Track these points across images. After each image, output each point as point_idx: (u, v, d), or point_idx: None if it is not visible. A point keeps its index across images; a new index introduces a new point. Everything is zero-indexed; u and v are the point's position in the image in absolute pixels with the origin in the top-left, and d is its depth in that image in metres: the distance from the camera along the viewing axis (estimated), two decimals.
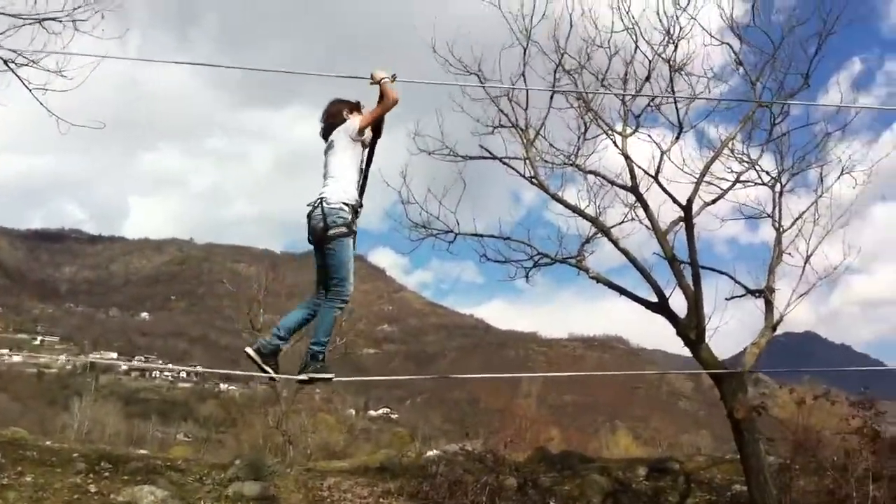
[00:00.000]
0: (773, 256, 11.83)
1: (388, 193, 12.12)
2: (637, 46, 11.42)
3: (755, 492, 9.92)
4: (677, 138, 11.58)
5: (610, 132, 11.68)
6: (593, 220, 11.77)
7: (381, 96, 6.29)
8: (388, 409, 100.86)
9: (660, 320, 11.32)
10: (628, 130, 11.58)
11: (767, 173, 12.23)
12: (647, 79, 11.39)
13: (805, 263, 11.74)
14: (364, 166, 6.63)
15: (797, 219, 12.12)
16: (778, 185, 12.19)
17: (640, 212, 11.72)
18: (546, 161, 11.93)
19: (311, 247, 6.43)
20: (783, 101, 11.53)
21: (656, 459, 16.54)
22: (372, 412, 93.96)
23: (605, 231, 11.72)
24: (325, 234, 6.20)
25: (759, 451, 10.06)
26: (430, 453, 14.83)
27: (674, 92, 11.15)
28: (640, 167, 11.52)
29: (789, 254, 12.05)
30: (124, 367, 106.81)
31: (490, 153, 12.04)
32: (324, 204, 6.23)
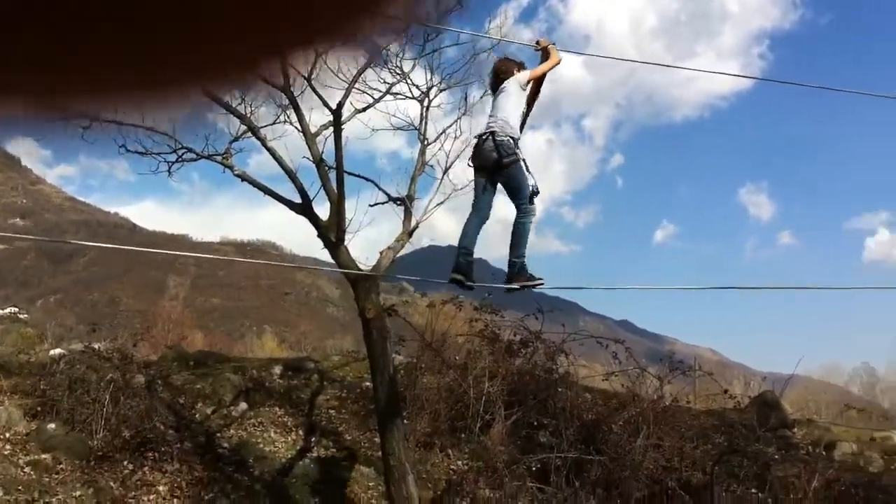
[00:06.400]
0: (415, 167, 12.31)
1: None
2: None
3: (379, 387, 10.46)
4: None
5: None
6: (242, 118, 11.45)
7: (547, 56, 7.78)
8: (17, 308, 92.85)
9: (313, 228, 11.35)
10: None
11: (417, 87, 12.63)
12: None
13: (443, 175, 12.38)
14: (525, 112, 7.85)
15: (441, 133, 12.69)
16: (426, 100, 12.64)
17: (293, 115, 11.58)
18: None
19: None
20: (420, 21, 11.86)
21: (293, 359, 16.88)
22: None
23: (253, 130, 11.45)
24: (500, 162, 7.39)
25: (386, 349, 10.57)
26: (53, 352, 13.84)
27: None
28: (294, 68, 11.30)
29: (431, 166, 12.64)
30: None
31: None
32: (495, 137, 7.40)
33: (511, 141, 7.44)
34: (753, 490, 12.05)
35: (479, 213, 7.75)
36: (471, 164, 7.90)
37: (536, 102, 8.19)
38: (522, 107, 7.78)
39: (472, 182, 12.54)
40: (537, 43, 7.97)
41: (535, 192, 7.75)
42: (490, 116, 7.72)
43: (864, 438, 15.44)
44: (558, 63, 7.82)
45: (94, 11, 0.59)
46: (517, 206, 7.52)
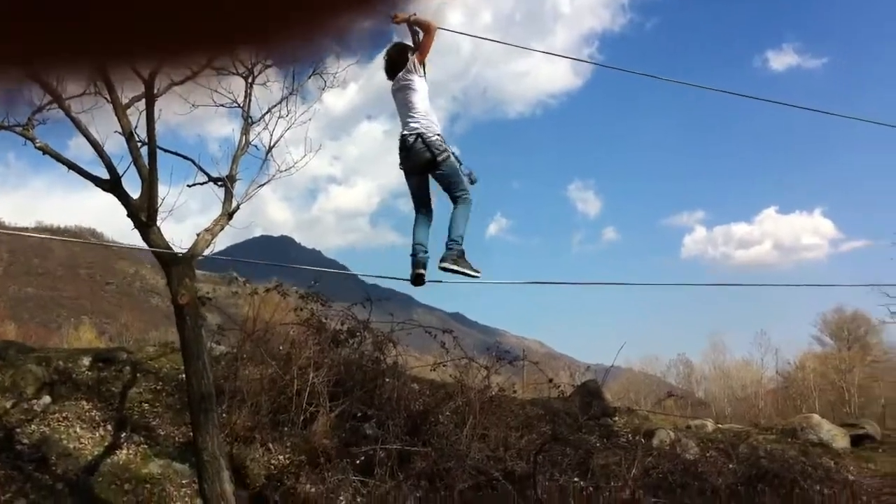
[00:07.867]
0: (238, 146, 11.73)
1: None
2: None
3: (193, 377, 9.79)
4: None
5: None
6: (45, 85, 10.45)
7: (414, 30, 7.44)
8: None
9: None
10: None
11: (241, 62, 12.00)
12: None
13: (266, 155, 11.86)
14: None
15: (266, 112, 12.15)
16: (251, 77, 12.06)
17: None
18: None
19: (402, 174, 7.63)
20: None
21: (103, 349, 15.85)
22: None
23: (58, 99, 10.49)
24: (434, 161, 7.34)
25: (199, 337, 9.93)
26: None
27: None
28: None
29: (256, 146, 12.07)
30: None
31: None
32: (423, 138, 7.33)
33: (439, 138, 7.42)
34: (576, 479, 12.19)
35: (427, 215, 7.73)
36: (401, 167, 7.71)
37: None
38: (427, 91, 7.62)
39: (298, 164, 12.18)
40: (394, 17, 7.07)
41: (473, 181, 7.74)
42: (407, 115, 7.51)
43: (680, 426, 16.04)
44: (437, 31, 7.49)
45: None
46: (456, 199, 7.52)
